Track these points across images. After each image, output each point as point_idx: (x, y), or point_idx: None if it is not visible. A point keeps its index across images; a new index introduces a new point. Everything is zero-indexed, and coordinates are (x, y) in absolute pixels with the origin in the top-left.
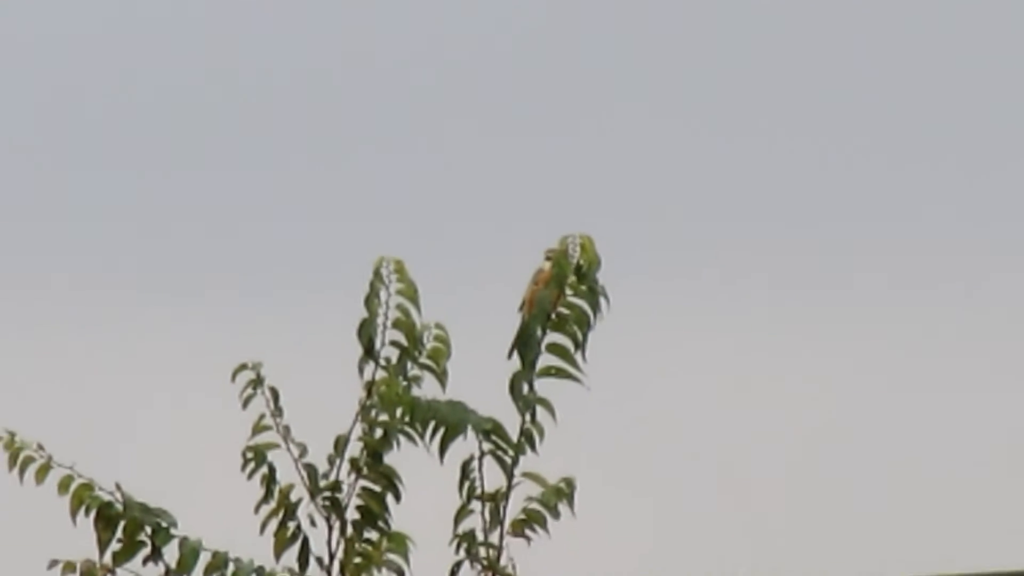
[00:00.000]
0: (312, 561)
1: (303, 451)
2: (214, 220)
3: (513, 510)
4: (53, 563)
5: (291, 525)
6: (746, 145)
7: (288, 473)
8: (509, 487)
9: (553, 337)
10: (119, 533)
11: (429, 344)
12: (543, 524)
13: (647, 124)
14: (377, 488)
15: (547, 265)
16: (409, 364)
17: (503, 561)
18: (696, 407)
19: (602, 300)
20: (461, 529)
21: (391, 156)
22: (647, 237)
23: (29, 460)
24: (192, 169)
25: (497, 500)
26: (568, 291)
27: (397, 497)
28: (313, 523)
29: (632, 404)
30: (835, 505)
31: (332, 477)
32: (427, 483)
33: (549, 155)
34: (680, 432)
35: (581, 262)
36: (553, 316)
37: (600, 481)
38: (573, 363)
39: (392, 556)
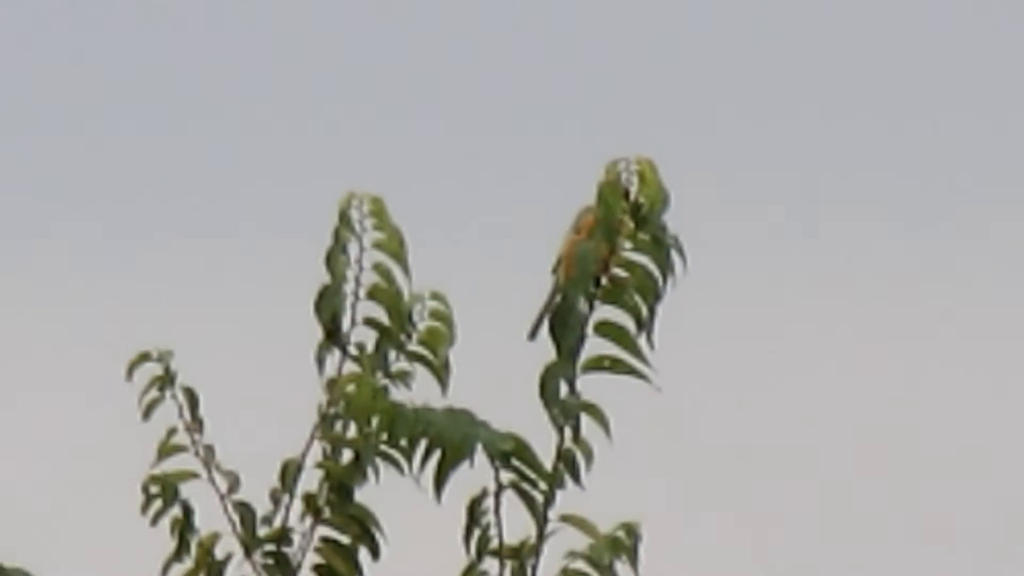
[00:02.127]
0: None
1: (234, 483)
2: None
3: (548, 571)
4: None
5: None
6: None
7: (212, 517)
8: (541, 537)
9: (604, 312)
10: None
11: (422, 323)
12: None
13: None
14: (344, 539)
15: (591, 205)
16: (392, 353)
17: None
18: (808, 417)
19: (675, 256)
20: None
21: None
22: (737, 161)
23: None
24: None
25: (523, 556)
26: (624, 243)
27: (374, 552)
28: None
29: (727, 411)
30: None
31: (278, 522)
32: (418, 531)
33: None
34: (788, 453)
35: (641, 200)
36: (603, 280)
37: (676, 526)
38: (635, 351)
39: None
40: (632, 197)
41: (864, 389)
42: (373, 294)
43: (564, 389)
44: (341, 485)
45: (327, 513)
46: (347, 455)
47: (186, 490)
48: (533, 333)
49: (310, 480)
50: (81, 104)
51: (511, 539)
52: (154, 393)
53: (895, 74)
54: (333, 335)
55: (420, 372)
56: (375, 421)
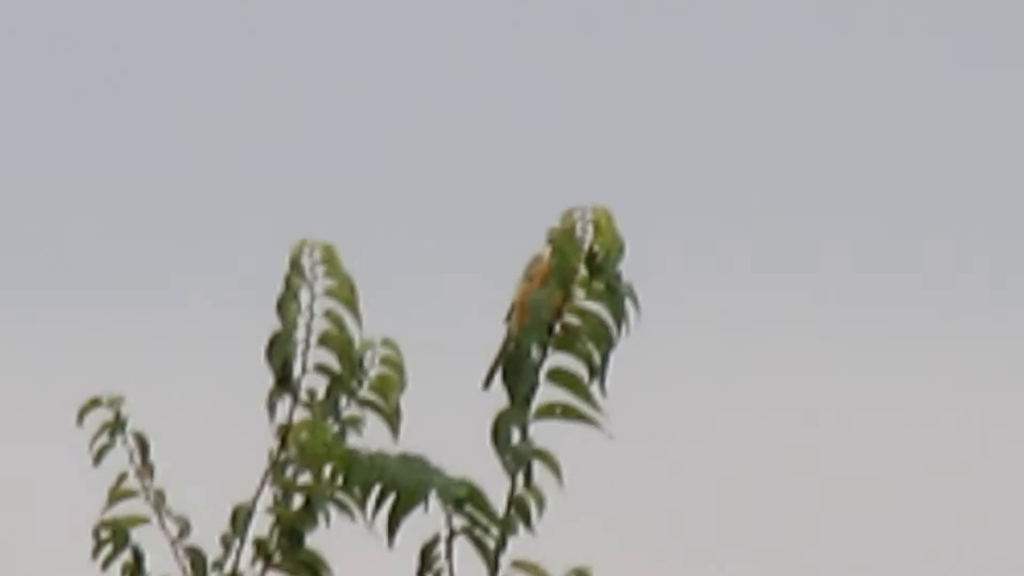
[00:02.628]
0: None
1: (185, 528)
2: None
3: None
4: None
5: None
6: None
7: (163, 561)
8: None
9: (557, 359)
10: None
11: (374, 370)
12: None
13: None
14: None
15: (546, 253)
16: (343, 399)
17: None
18: (766, 458)
19: (628, 304)
20: None
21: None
22: (689, 210)
23: None
24: None
25: None
26: (578, 291)
27: None
28: None
29: (673, 457)
30: None
31: (228, 567)
32: None
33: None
34: (743, 494)
35: (596, 248)
36: (557, 328)
37: (628, 572)
38: (587, 398)
39: None
40: (587, 246)
41: (823, 433)
42: (324, 341)
43: (516, 436)
44: (292, 530)
45: (278, 558)
46: (298, 500)
47: (137, 535)
48: (488, 381)
49: (261, 525)
50: (30, 142)
51: None
52: (105, 438)
53: (848, 120)
54: (284, 381)
55: (371, 418)
56: (327, 467)
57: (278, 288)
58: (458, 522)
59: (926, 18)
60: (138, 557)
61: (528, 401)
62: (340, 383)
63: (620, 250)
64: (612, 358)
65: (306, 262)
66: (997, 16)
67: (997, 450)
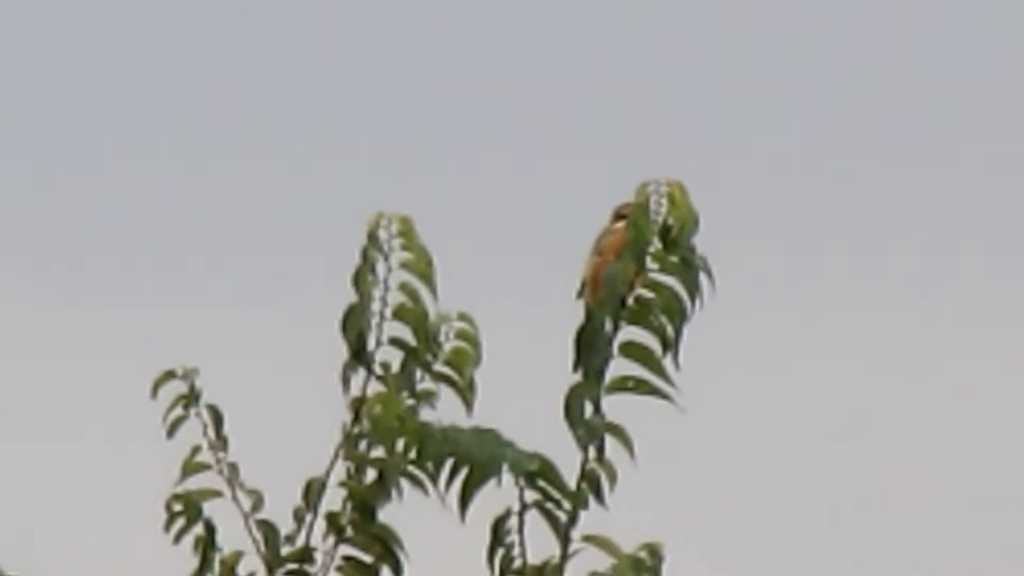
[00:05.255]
0: None
1: (257, 502)
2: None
3: None
4: None
5: None
6: None
7: (235, 535)
8: (564, 557)
9: (630, 333)
10: None
11: (449, 344)
12: None
13: None
14: (367, 558)
15: (619, 226)
16: (418, 373)
17: None
18: (835, 433)
19: (703, 278)
20: None
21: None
22: (763, 184)
23: None
24: None
25: (547, 575)
26: (652, 264)
27: (397, 572)
28: None
29: (751, 433)
30: None
31: (300, 541)
32: (442, 550)
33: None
34: (812, 473)
35: (670, 221)
36: (630, 302)
37: (698, 547)
38: (661, 372)
39: None
40: (661, 219)
41: (891, 413)
42: (399, 314)
43: (589, 409)
44: (364, 504)
45: (350, 532)
46: (371, 474)
47: (209, 508)
48: (576, 365)
49: (333, 499)
50: (103, 132)
51: (535, 559)
52: (179, 411)
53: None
54: (359, 354)
55: (445, 392)
56: (401, 441)
57: (355, 260)
58: (530, 496)
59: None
60: (210, 530)
61: (601, 375)
62: (415, 356)
63: (695, 223)
64: (686, 332)
65: (383, 234)
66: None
67: None
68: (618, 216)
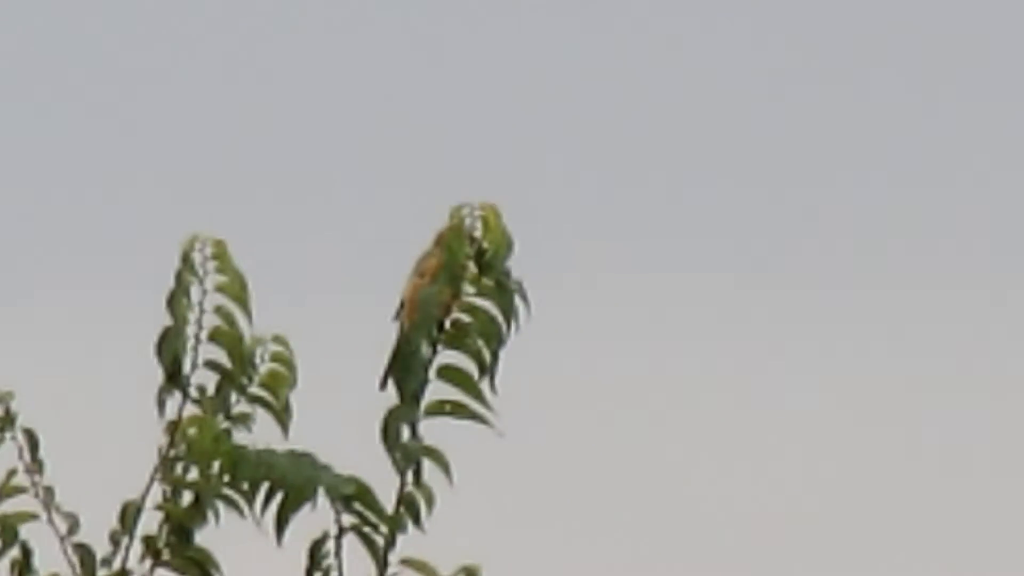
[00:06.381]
0: None
1: (74, 525)
2: None
3: None
4: None
5: None
6: None
7: (51, 558)
8: None
9: (447, 356)
10: None
11: (264, 366)
12: None
13: None
14: None
15: (435, 250)
16: (234, 396)
17: None
18: (669, 457)
19: (518, 300)
20: None
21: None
22: (580, 205)
23: None
24: None
25: None
26: (468, 288)
27: None
28: None
29: (570, 454)
30: None
31: (117, 564)
32: (258, 574)
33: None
34: (639, 496)
35: (485, 245)
36: (447, 325)
37: (518, 570)
38: (478, 395)
39: None
40: (476, 243)
41: (719, 435)
42: (215, 337)
43: (406, 433)
44: (181, 527)
45: (167, 555)
46: (187, 497)
47: (25, 531)
48: (384, 382)
49: (150, 522)
50: None
51: None
52: None
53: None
54: (174, 377)
55: (261, 415)
56: (217, 464)
57: (169, 283)
58: (347, 520)
59: None
60: (27, 553)
61: (418, 398)
62: (230, 379)
63: (509, 247)
64: (502, 355)
65: (197, 257)
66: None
67: None
68: (439, 239)
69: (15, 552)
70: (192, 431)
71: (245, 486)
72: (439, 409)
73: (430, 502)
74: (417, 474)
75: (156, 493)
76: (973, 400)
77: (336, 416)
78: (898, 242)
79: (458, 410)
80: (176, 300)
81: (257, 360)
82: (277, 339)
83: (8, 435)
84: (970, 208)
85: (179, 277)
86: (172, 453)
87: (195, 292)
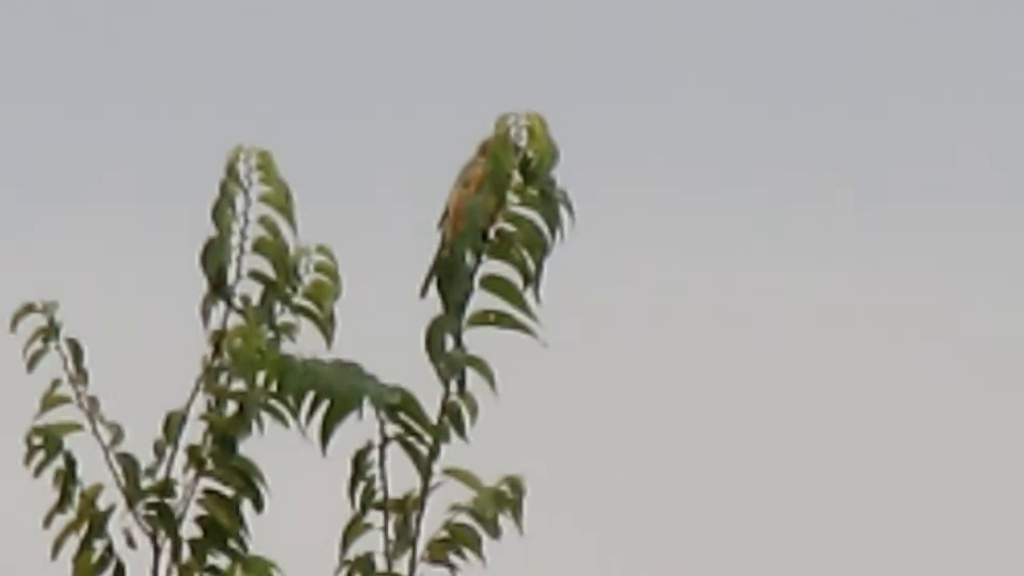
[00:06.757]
0: None
1: (117, 435)
2: None
3: (431, 524)
4: None
5: (99, 545)
6: None
7: (95, 468)
8: (425, 490)
9: (491, 266)
10: None
11: (308, 277)
12: (475, 547)
13: None
14: (228, 491)
15: (480, 159)
16: (278, 306)
17: None
18: (710, 365)
19: (563, 211)
20: (353, 552)
21: None
22: (630, 115)
23: None
24: None
25: (407, 510)
26: (512, 198)
27: (258, 505)
28: (132, 543)
29: (613, 364)
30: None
31: (161, 474)
32: (302, 484)
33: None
34: (681, 406)
35: (530, 154)
36: (491, 235)
37: (560, 480)
38: (522, 305)
39: None
40: (521, 152)
41: (756, 351)
42: (259, 247)
43: (450, 343)
44: (225, 437)
45: (210, 465)
46: (231, 407)
47: (69, 442)
48: (424, 290)
49: (194, 433)
50: None
51: (396, 492)
52: (38, 344)
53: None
54: (218, 288)
55: (305, 325)
56: (261, 374)
57: (214, 194)
58: (391, 429)
59: None
60: (70, 464)
61: (462, 308)
62: (274, 290)
63: (554, 157)
64: (546, 265)
65: (242, 168)
66: None
67: None
68: (483, 149)
69: (59, 462)
70: (237, 341)
71: (290, 396)
72: (483, 319)
73: (474, 412)
74: (461, 384)
75: (200, 403)
76: None
77: (381, 326)
78: None
79: (502, 320)
80: (220, 211)
81: (301, 270)
82: (321, 249)
83: (52, 345)
84: None
85: (224, 188)
86: (216, 363)
87: (240, 203)
